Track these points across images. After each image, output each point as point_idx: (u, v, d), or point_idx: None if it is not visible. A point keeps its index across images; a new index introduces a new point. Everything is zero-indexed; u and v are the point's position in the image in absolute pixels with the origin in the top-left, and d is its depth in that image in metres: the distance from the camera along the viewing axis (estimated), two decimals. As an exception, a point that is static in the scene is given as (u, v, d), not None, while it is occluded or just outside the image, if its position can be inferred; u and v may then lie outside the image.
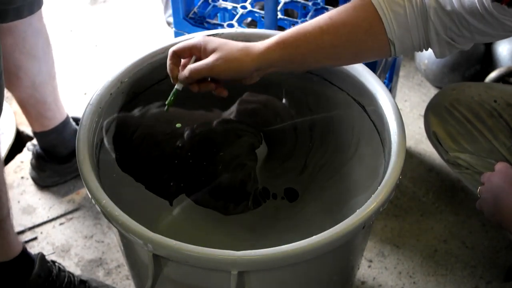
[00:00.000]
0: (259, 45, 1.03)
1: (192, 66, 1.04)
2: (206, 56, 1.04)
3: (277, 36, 1.04)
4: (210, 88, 1.07)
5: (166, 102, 1.08)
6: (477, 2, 0.95)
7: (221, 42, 1.04)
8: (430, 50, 1.07)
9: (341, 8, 1.05)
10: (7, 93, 1.82)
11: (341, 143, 1.26)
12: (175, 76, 1.07)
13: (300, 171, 1.29)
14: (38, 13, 1.47)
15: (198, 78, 1.04)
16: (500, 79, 1.80)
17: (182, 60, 1.07)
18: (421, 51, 1.07)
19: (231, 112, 1.23)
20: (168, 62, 1.07)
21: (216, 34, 1.26)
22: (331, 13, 1.04)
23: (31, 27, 1.47)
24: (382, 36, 1.03)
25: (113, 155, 1.15)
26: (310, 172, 1.29)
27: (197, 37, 1.07)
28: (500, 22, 0.96)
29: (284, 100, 1.27)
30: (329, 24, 1.03)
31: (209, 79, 1.06)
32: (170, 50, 1.07)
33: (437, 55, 1.07)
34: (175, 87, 1.07)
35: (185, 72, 1.04)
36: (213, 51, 1.03)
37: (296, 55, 1.03)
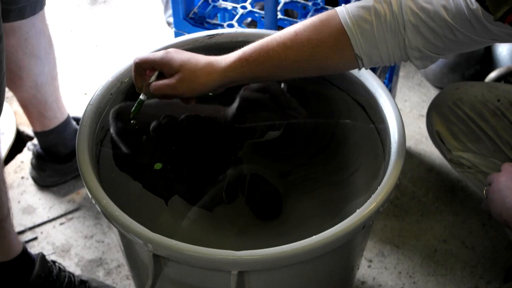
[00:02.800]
0: (221, 62, 1.04)
1: (156, 84, 1.06)
2: (170, 73, 1.06)
3: (240, 51, 1.04)
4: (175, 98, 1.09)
5: (132, 111, 1.11)
6: (464, 8, 0.95)
7: (184, 60, 1.05)
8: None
9: (307, 22, 1.04)
10: (7, 93, 1.83)
11: (340, 143, 1.26)
12: (139, 86, 1.09)
13: (299, 170, 1.29)
14: (40, 14, 1.47)
15: (161, 95, 1.07)
16: (500, 79, 1.80)
17: (147, 71, 1.09)
18: (393, 64, 1.07)
19: (233, 107, 1.23)
20: (133, 73, 1.09)
21: (216, 34, 1.26)
22: (297, 28, 1.04)
23: (34, 27, 1.47)
24: (348, 51, 1.03)
25: (113, 151, 1.15)
26: (309, 172, 1.28)
27: (161, 53, 1.07)
28: (487, 29, 0.96)
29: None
30: (293, 40, 1.03)
31: None
32: (134, 62, 1.08)
33: (419, 67, 1.06)
34: (140, 97, 1.10)
35: (150, 87, 1.07)
36: (176, 70, 1.05)
37: (258, 72, 1.04)
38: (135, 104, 1.11)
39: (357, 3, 1.04)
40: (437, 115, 1.36)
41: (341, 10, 1.03)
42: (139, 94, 1.10)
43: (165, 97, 1.09)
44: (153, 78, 1.08)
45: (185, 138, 1.19)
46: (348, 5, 1.03)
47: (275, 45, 1.03)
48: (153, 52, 1.13)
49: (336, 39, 1.02)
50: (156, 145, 1.19)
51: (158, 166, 1.18)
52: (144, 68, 1.08)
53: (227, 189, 1.20)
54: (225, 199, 1.20)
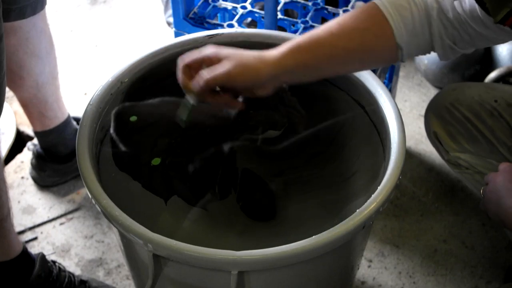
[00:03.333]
0: (273, 52, 1.02)
1: (207, 74, 1.00)
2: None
3: (290, 42, 1.02)
4: (226, 100, 1.04)
5: (184, 119, 1.06)
6: (477, 8, 0.96)
7: (233, 51, 1.02)
8: (429, 50, 1.08)
9: (347, 15, 1.04)
10: (8, 93, 1.82)
11: (340, 143, 1.26)
12: (189, 88, 1.03)
13: (299, 170, 1.29)
14: (41, 14, 1.47)
15: (214, 86, 1.01)
16: (500, 79, 1.81)
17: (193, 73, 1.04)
18: (424, 54, 1.08)
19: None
20: (180, 75, 1.04)
21: (216, 34, 1.26)
22: (339, 20, 1.04)
23: (35, 27, 1.47)
24: (391, 41, 1.03)
25: (112, 150, 1.15)
26: (309, 172, 1.28)
27: (207, 48, 1.04)
28: (500, 28, 0.96)
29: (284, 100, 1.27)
30: (339, 29, 1.02)
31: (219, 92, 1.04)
32: (181, 64, 1.04)
33: (441, 57, 1.07)
34: (190, 102, 1.04)
35: (200, 81, 1.01)
36: (226, 59, 1.01)
37: (310, 60, 1.02)
38: (186, 110, 1.05)
39: None
40: (434, 116, 1.36)
41: (379, 1, 1.04)
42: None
43: (214, 100, 1.03)
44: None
45: (186, 131, 1.18)
46: None
47: (323, 35, 1.02)
48: (185, 55, 1.07)
49: (381, 26, 1.03)
50: (155, 141, 1.18)
51: (156, 161, 1.17)
52: (194, 67, 1.03)
53: (220, 184, 1.19)
54: (218, 195, 1.19)
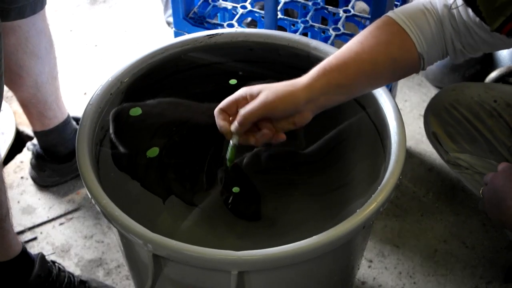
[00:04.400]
0: (303, 78, 1.02)
1: (244, 109, 1.00)
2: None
3: (317, 66, 1.03)
4: (267, 137, 1.03)
5: (228, 157, 1.07)
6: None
7: (265, 84, 1.02)
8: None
9: (365, 32, 1.05)
10: (7, 93, 1.83)
11: (341, 143, 1.26)
12: (228, 131, 1.03)
13: (298, 170, 1.29)
14: (41, 13, 1.47)
15: (253, 120, 1.00)
16: (500, 79, 1.80)
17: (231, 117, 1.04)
18: (442, 59, 1.10)
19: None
20: (218, 121, 1.03)
21: (216, 34, 1.26)
22: (359, 38, 1.05)
23: (35, 27, 1.47)
24: (413, 50, 1.05)
25: (111, 149, 1.15)
26: (309, 172, 1.28)
27: (239, 90, 1.03)
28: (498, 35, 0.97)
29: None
30: (363, 47, 1.04)
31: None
32: (216, 110, 1.03)
33: (452, 60, 1.10)
34: (232, 142, 1.05)
35: (238, 119, 1.00)
36: (259, 93, 1.01)
37: (342, 79, 1.02)
38: (229, 151, 1.07)
39: (404, 6, 1.08)
40: (433, 117, 1.36)
41: (393, 14, 1.05)
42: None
43: (256, 140, 1.03)
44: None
45: (185, 130, 1.18)
46: (397, 9, 1.06)
47: (348, 54, 1.03)
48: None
49: (402, 39, 1.04)
50: (153, 137, 1.18)
51: (154, 152, 1.17)
52: (229, 112, 1.03)
53: (207, 172, 1.18)
54: (205, 184, 1.19)
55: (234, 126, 1.02)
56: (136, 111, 1.16)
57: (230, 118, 1.03)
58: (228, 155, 1.09)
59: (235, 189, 1.19)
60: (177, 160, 1.19)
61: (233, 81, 1.26)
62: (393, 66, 1.06)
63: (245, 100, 1.02)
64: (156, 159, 1.18)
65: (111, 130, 1.15)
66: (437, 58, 1.09)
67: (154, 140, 1.18)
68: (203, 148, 1.20)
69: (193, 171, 1.20)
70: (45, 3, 1.48)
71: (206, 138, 1.20)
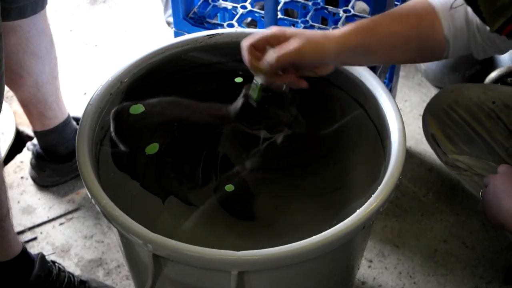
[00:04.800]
0: (337, 31, 1.04)
1: (278, 51, 1.01)
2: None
3: (352, 24, 1.05)
4: (290, 79, 1.06)
5: (254, 98, 1.08)
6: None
7: (299, 30, 1.05)
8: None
9: (399, 7, 1.08)
10: (8, 93, 1.83)
11: (341, 143, 1.26)
12: (257, 68, 1.05)
13: (298, 170, 1.29)
14: (42, 13, 1.47)
15: (285, 63, 1.03)
16: (500, 79, 1.80)
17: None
18: (465, 53, 1.11)
19: (236, 106, 1.22)
20: (246, 56, 1.05)
21: (216, 34, 1.26)
22: (393, 9, 1.08)
23: (35, 27, 1.47)
24: (441, 33, 1.06)
25: (111, 149, 1.15)
26: (308, 172, 1.28)
27: (271, 29, 1.06)
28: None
29: (284, 99, 1.27)
30: (396, 16, 1.06)
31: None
32: (245, 45, 1.05)
33: (474, 55, 1.12)
34: (259, 82, 1.06)
35: (270, 59, 1.02)
36: (293, 37, 1.02)
37: (372, 42, 1.05)
38: (255, 90, 1.07)
39: None
40: (432, 118, 1.36)
41: None
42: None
43: (280, 80, 1.05)
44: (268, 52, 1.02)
45: (184, 129, 1.18)
46: None
47: (380, 19, 1.06)
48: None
49: (432, 17, 1.06)
50: (152, 134, 1.18)
51: (154, 147, 1.17)
52: (259, 48, 1.05)
53: (203, 169, 1.19)
54: (200, 180, 1.19)
55: (265, 63, 1.03)
56: (136, 109, 1.16)
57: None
58: (253, 94, 1.09)
59: (229, 188, 1.19)
60: (175, 159, 1.19)
61: (238, 79, 1.26)
62: (421, 43, 1.07)
63: (277, 40, 1.03)
64: (154, 158, 1.18)
65: (111, 128, 1.15)
66: (461, 49, 1.09)
67: (153, 138, 1.18)
68: (200, 146, 1.20)
69: (190, 169, 1.20)
70: (46, 3, 1.48)
71: (204, 136, 1.20)
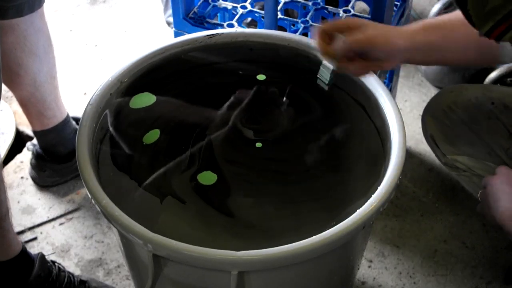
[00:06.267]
0: (405, 28, 1.07)
1: (351, 37, 1.04)
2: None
3: (419, 22, 1.08)
4: (361, 67, 1.08)
5: (327, 82, 1.10)
6: None
7: (368, 21, 1.07)
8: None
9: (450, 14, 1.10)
10: (7, 93, 1.83)
11: (340, 143, 1.26)
12: (326, 51, 1.07)
13: (298, 170, 1.29)
14: (39, 12, 1.47)
15: (356, 49, 1.05)
16: (500, 79, 1.80)
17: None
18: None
19: (229, 110, 1.23)
20: (318, 40, 1.08)
21: (216, 34, 1.25)
22: (456, 11, 1.08)
23: (33, 25, 1.47)
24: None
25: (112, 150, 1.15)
26: (308, 172, 1.28)
27: (344, 19, 1.12)
28: None
29: (284, 99, 1.27)
30: (459, 17, 1.06)
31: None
32: (319, 29, 1.08)
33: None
34: (331, 66, 1.09)
35: (342, 44, 1.05)
36: (361, 25, 1.05)
37: (439, 40, 1.07)
38: (327, 74, 1.10)
39: None
40: (431, 119, 1.36)
41: None
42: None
43: (349, 67, 1.08)
44: (338, 39, 1.05)
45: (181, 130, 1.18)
46: None
47: (442, 20, 1.09)
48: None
49: None
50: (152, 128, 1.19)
51: (155, 133, 1.18)
52: (330, 32, 1.07)
53: (191, 155, 1.19)
54: (186, 165, 1.19)
55: (335, 49, 1.06)
56: (135, 103, 1.17)
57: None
58: (326, 79, 1.11)
59: (207, 179, 1.19)
60: (171, 158, 1.19)
61: (261, 77, 1.27)
62: (482, 44, 1.06)
63: (348, 28, 1.06)
64: (151, 156, 1.18)
65: (109, 126, 1.15)
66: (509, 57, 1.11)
67: (151, 134, 1.19)
68: (197, 144, 1.20)
69: (181, 163, 1.20)
70: (43, 1, 1.48)
71: (201, 135, 1.20)
